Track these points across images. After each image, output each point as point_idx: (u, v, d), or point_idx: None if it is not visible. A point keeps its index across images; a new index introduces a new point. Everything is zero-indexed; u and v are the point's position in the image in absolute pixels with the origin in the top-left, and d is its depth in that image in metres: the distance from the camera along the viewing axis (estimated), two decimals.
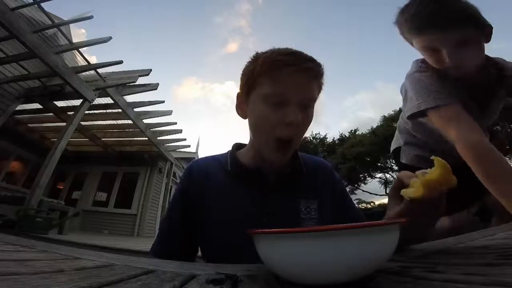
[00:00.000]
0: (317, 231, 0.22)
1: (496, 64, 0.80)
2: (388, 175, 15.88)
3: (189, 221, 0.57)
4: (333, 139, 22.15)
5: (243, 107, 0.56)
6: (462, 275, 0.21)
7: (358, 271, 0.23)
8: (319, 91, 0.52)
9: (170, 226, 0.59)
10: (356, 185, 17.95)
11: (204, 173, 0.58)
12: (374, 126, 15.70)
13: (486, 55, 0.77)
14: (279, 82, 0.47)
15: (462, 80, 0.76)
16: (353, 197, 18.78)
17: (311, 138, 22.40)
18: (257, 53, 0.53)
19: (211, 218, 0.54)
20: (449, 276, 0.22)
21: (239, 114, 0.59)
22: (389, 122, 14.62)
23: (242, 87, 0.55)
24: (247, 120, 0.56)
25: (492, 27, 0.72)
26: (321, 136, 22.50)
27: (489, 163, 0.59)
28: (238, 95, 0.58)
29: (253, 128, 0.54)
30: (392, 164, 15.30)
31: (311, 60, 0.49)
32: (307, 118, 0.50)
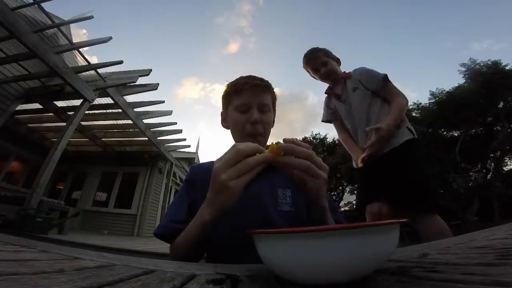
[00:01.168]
0: (317, 231, 0.22)
1: (340, 74, 1.56)
2: None
3: (192, 204, 0.63)
4: (333, 139, 22.15)
5: (226, 120, 0.76)
6: (462, 275, 0.21)
7: (358, 271, 0.23)
8: (273, 101, 0.75)
9: (177, 207, 0.64)
10: (356, 185, 17.92)
11: (204, 168, 0.69)
12: None
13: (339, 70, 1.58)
14: (242, 96, 0.68)
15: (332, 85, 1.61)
16: (353, 197, 18.75)
17: (311, 138, 22.41)
18: (230, 82, 0.75)
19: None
20: (449, 276, 0.22)
21: (224, 126, 0.78)
22: None
23: (223, 106, 0.77)
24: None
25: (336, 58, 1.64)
26: (321, 136, 22.51)
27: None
28: (222, 113, 0.79)
29: (232, 131, 0.72)
30: None
31: (261, 80, 0.71)
32: (266, 118, 0.69)
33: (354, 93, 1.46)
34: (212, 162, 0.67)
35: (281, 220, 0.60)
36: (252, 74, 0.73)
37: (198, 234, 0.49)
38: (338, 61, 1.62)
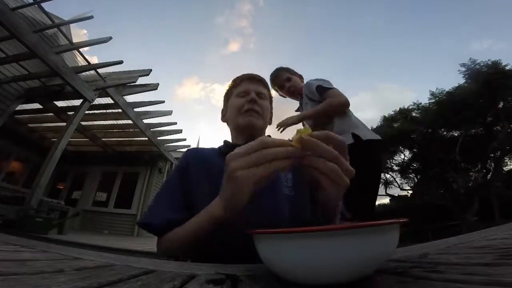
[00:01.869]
0: (317, 231, 0.22)
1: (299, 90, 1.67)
2: (388, 175, 15.86)
3: (185, 195, 0.59)
4: None
5: (225, 114, 0.81)
6: (462, 275, 0.21)
7: (358, 271, 0.23)
8: (270, 98, 0.81)
9: (169, 195, 0.59)
10: None
11: (200, 154, 0.69)
12: (374, 126, 15.69)
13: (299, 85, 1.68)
14: (241, 86, 0.76)
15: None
16: None
17: None
18: (233, 79, 0.82)
19: (203, 190, 0.57)
20: (449, 276, 0.22)
21: (223, 120, 0.82)
22: (389, 122, 14.61)
23: (224, 102, 0.83)
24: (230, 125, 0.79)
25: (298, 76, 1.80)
26: None
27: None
28: (222, 110, 0.84)
29: (231, 117, 0.75)
30: (392, 164, 15.30)
31: (258, 76, 0.79)
32: (264, 103, 0.74)
33: (306, 107, 1.52)
34: (212, 149, 0.73)
35: (286, 205, 0.55)
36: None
37: (203, 230, 0.44)
38: (300, 77, 1.71)
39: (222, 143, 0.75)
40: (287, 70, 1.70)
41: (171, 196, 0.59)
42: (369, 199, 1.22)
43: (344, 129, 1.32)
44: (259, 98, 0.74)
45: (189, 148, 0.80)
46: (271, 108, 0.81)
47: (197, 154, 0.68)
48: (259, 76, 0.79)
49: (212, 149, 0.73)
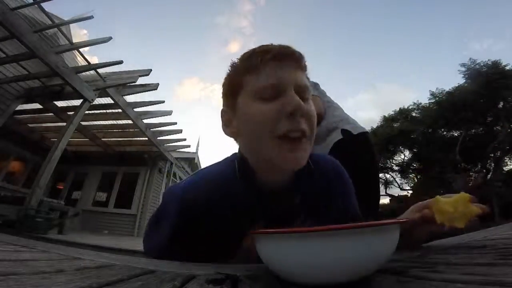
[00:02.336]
0: (317, 231, 0.22)
1: None
2: (388, 175, 15.86)
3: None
4: None
5: (231, 122, 0.48)
6: (462, 275, 0.21)
7: (358, 271, 0.23)
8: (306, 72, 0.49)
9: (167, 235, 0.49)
10: None
11: (204, 201, 0.47)
12: (374, 127, 15.70)
13: None
14: (265, 73, 0.42)
15: None
16: None
17: None
18: (234, 61, 0.48)
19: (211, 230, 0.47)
20: (449, 276, 0.22)
21: (227, 133, 0.49)
22: (389, 122, 14.61)
23: (227, 99, 0.49)
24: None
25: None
26: None
27: None
28: (223, 113, 0.49)
29: (248, 137, 0.45)
30: (392, 165, 15.30)
31: (290, 47, 0.45)
32: (310, 109, 0.43)
33: None
34: (205, 181, 0.49)
35: None
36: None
37: None
38: None
39: (232, 158, 0.52)
40: None
41: (169, 236, 0.49)
42: (376, 195, 1.19)
43: (332, 125, 1.21)
44: (304, 100, 0.42)
45: (182, 195, 0.48)
46: None
47: (202, 201, 0.47)
48: (291, 48, 0.45)
49: (218, 184, 0.48)
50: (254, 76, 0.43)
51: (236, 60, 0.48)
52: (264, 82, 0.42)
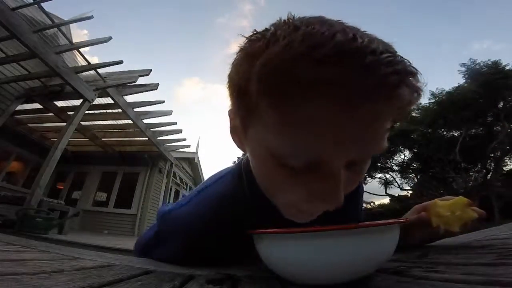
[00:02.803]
0: (317, 231, 0.22)
1: None
2: (388, 175, 15.86)
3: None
4: None
5: (238, 136, 0.33)
6: (462, 275, 0.21)
7: (358, 271, 0.23)
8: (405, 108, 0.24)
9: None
10: None
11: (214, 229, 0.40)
12: None
13: None
14: (307, 129, 0.22)
15: None
16: None
17: None
18: (256, 37, 0.25)
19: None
20: (449, 276, 0.22)
21: (235, 142, 0.35)
22: None
23: (234, 105, 0.30)
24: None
25: None
26: None
27: None
28: (231, 113, 0.33)
29: (257, 180, 0.32)
30: (392, 165, 15.30)
31: (405, 71, 0.20)
32: (358, 178, 0.28)
33: None
34: (203, 207, 0.39)
35: None
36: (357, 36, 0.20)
37: None
38: None
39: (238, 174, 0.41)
40: None
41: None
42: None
43: None
44: (357, 167, 0.26)
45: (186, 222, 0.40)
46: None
47: (208, 232, 0.40)
48: (399, 69, 0.19)
49: (225, 213, 0.39)
50: (280, 118, 0.22)
51: (254, 45, 0.24)
52: (293, 144, 0.23)
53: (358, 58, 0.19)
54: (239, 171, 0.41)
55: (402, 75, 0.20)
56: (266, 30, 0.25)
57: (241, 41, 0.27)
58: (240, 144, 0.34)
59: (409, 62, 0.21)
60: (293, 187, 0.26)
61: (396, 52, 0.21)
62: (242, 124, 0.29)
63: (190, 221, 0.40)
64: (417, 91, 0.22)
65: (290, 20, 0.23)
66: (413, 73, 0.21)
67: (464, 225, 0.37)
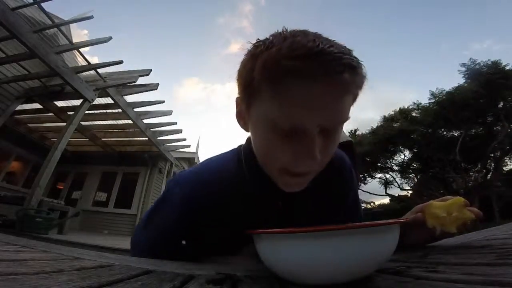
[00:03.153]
0: (317, 231, 0.22)
1: None
2: (388, 175, 15.86)
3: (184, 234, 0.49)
4: None
5: (244, 117, 0.43)
6: (462, 275, 0.21)
7: (358, 271, 0.23)
8: (355, 97, 0.36)
9: (162, 234, 0.49)
10: None
11: (211, 195, 0.45)
12: (374, 126, 15.72)
13: None
14: (292, 103, 0.32)
15: None
16: None
17: None
18: (258, 44, 0.35)
19: (220, 235, 0.47)
20: (449, 276, 0.22)
21: (240, 125, 0.45)
22: (389, 122, 14.61)
23: (241, 92, 0.40)
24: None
25: None
26: None
27: None
28: (238, 101, 0.43)
29: (256, 152, 0.42)
30: (392, 165, 15.30)
31: (348, 63, 0.30)
32: (331, 146, 0.36)
33: None
34: (224, 183, 0.46)
35: None
36: (325, 43, 0.31)
37: None
38: None
39: (241, 152, 0.49)
40: None
41: (164, 235, 0.49)
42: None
43: None
44: (330, 136, 0.35)
45: (182, 189, 0.46)
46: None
47: (208, 202, 0.45)
48: (352, 69, 0.31)
49: (225, 184, 0.46)
50: (275, 96, 0.33)
51: (260, 46, 0.35)
52: (284, 114, 0.32)
53: (320, 56, 0.30)
54: (238, 152, 0.50)
55: (345, 66, 0.30)
56: (266, 39, 0.36)
57: (248, 46, 0.38)
58: (244, 125, 0.44)
59: (356, 59, 0.32)
60: (282, 149, 0.35)
61: (348, 52, 0.32)
62: (247, 105, 0.39)
63: (192, 181, 0.47)
64: (360, 78, 0.33)
65: (284, 32, 0.35)
66: (354, 66, 0.31)
67: (462, 226, 0.36)
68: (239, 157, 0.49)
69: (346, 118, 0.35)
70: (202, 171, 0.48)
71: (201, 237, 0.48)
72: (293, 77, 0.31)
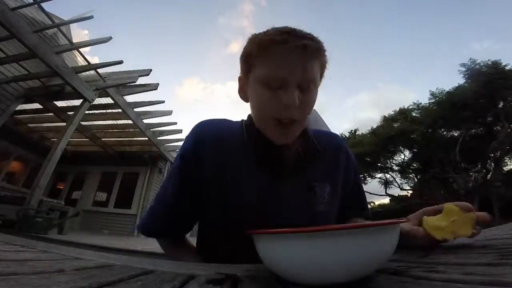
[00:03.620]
0: (317, 231, 0.22)
1: None
2: (388, 175, 15.86)
3: (191, 196, 0.52)
4: None
5: (244, 90, 0.55)
6: (462, 275, 0.21)
7: (358, 271, 0.23)
8: (322, 71, 0.50)
9: (167, 201, 0.53)
10: None
11: (220, 142, 0.53)
12: (374, 126, 15.72)
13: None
14: (275, 64, 0.45)
15: None
16: None
17: None
18: (254, 34, 0.50)
19: (222, 195, 0.51)
20: (449, 276, 0.22)
21: (241, 97, 0.56)
22: (389, 122, 14.61)
23: (242, 70, 0.53)
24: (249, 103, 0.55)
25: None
26: None
27: None
28: (240, 78, 0.55)
29: (254, 110, 0.52)
30: (392, 165, 15.30)
31: (309, 37, 0.46)
32: (309, 99, 0.47)
33: None
34: (224, 123, 0.57)
35: (318, 222, 0.50)
36: (293, 27, 0.48)
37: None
38: None
39: (244, 119, 0.59)
40: None
41: (168, 201, 0.53)
42: None
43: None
44: (305, 92, 0.46)
45: (200, 123, 0.57)
46: (321, 80, 0.51)
47: (214, 141, 0.53)
48: (313, 40, 0.46)
49: (232, 130, 0.56)
50: (265, 63, 0.46)
51: (254, 36, 0.50)
52: (270, 73, 0.45)
53: (290, 32, 0.45)
54: (242, 121, 0.59)
55: (307, 38, 0.45)
56: (257, 33, 0.51)
57: (248, 36, 0.52)
58: (244, 96, 0.55)
59: (316, 38, 0.47)
60: (272, 100, 0.46)
61: (311, 34, 0.47)
62: (246, 74, 0.51)
63: (204, 121, 0.58)
64: (321, 48, 0.47)
65: (274, 27, 0.49)
66: (314, 38, 0.47)
67: (471, 227, 0.36)
68: (242, 123, 0.58)
69: (315, 78, 0.47)
70: (214, 119, 0.59)
71: (202, 206, 0.53)
72: (274, 46, 0.45)
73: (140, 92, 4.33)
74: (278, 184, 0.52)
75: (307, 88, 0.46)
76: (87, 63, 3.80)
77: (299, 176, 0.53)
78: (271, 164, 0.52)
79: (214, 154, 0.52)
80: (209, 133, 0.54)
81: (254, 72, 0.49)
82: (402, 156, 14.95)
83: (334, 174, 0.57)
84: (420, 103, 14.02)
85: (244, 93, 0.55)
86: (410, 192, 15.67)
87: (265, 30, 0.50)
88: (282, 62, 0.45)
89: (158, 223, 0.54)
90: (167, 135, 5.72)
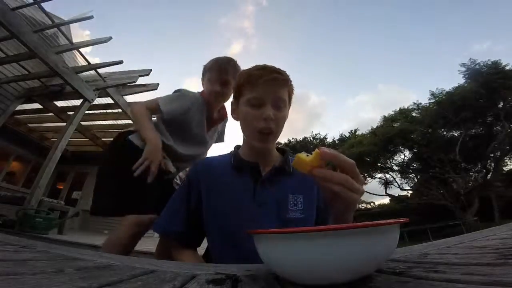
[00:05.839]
0: (317, 231, 0.22)
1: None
2: (388, 175, 15.85)
3: (193, 206, 0.66)
4: (333, 139, 22.19)
5: (236, 111, 0.72)
6: (462, 275, 0.21)
7: (358, 271, 0.23)
8: (290, 95, 0.69)
9: (175, 208, 0.68)
10: None
11: (207, 165, 0.72)
12: (374, 126, 15.72)
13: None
14: (255, 89, 0.63)
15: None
16: None
17: (311, 138, 22.42)
18: (243, 70, 0.70)
19: (211, 203, 0.65)
20: (449, 276, 0.22)
21: (234, 117, 0.75)
22: (389, 122, 14.62)
23: (234, 96, 0.72)
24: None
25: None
26: (321, 136, 22.54)
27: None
28: (232, 103, 0.74)
29: (242, 125, 0.69)
30: (392, 165, 15.30)
31: (278, 72, 0.64)
32: (281, 115, 0.65)
33: (211, 134, 1.46)
34: (223, 157, 0.73)
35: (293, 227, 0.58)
36: (268, 65, 0.67)
37: None
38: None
39: (233, 149, 0.75)
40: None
41: (176, 209, 0.67)
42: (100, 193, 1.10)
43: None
44: (277, 109, 0.64)
45: (197, 162, 0.77)
46: (290, 104, 0.70)
47: (207, 168, 0.70)
48: (281, 74, 0.64)
49: (224, 158, 0.73)
50: (249, 89, 0.64)
51: (242, 72, 0.70)
52: (254, 94, 0.63)
53: (265, 68, 0.65)
54: (231, 151, 0.76)
55: (277, 72, 0.64)
56: (243, 70, 0.72)
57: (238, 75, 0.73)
58: (236, 116, 0.72)
59: (287, 76, 0.66)
60: (255, 115, 0.63)
61: (284, 72, 0.66)
62: (238, 99, 0.69)
63: (199, 161, 0.77)
64: (288, 80, 0.66)
65: (254, 66, 0.67)
66: (282, 73, 0.65)
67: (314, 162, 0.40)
68: (230, 153, 0.74)
69: (285, 100, 0.65)
70: (207, 158, 0.79)
71: (202, 210, 0.65)
72: (255, 78, 0.63)
73: (140, 92, 4.33)
74: (258, 191, 0.64)
75: (279, 107, 0.64)
76: (87, 63, 3.80)
77: (276, 187, 0.65)
78: (251, 177, 0.66)
79: (205, 180, 0.67)
80: (201, 162, 0.74)
81: (242, 97, 0.67)
82: (402, 156, 14.96)
83: (306, 190, 0.66)
84: (420, 103, 14.04)
85: (236, 114, 0.72)
86: (410, 192, 15.67)
87: (250, 67, 0.69)
88: (261, 88, 0.63)
89: (165, 224, 0.67)
90: None
